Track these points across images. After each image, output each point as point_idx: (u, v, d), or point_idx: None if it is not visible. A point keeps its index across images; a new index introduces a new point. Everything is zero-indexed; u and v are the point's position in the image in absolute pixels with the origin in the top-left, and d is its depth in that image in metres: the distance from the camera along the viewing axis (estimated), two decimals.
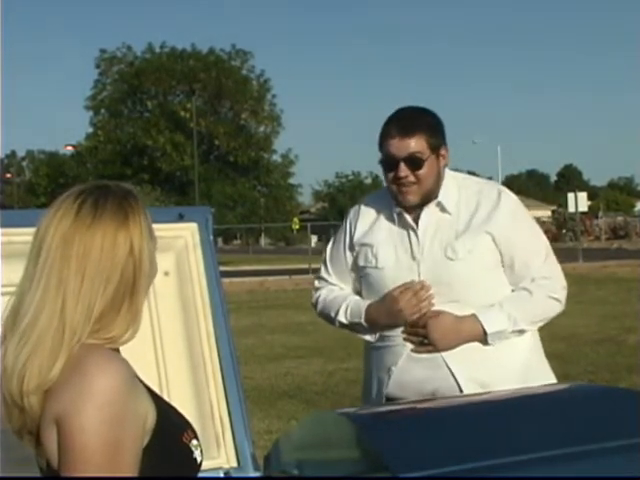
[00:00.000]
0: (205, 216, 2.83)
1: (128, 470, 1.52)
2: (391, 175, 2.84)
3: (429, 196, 2.86)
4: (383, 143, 2.85)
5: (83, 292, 1.57)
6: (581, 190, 36.91)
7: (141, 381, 1.64)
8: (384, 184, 2.97)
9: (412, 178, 2.82)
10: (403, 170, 2.81)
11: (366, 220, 2.98)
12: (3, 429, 1.63)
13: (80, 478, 1.50)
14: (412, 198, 2.84)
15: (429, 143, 2.83)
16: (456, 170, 3.05)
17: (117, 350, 1.65)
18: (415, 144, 2.81)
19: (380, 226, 2.94)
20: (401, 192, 2.84)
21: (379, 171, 2.97)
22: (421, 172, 2.81)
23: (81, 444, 1.50)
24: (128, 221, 1.63)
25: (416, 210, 2.87)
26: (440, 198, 2.87)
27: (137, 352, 2.23)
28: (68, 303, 1.57)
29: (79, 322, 1.57)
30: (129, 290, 1.62)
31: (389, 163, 2.84)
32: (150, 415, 1.59)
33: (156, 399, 1.64)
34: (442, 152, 2.87)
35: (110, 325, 1.61)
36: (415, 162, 2.81)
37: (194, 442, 1.68)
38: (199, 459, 1.69)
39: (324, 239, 54.66)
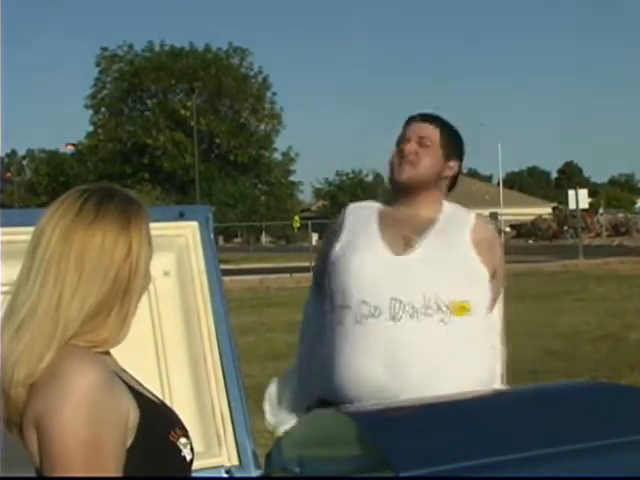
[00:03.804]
0: (205, 214, 2.84)
1: (111, 469, 1.52)
2: (398, 149, 2.92)
3: (419, 184, 2.86)
4: (404, 127, 2.97)
5: (80, 289, 1.58)
6: (582, 187, 36.95)
7: (125, 381, 1.63)
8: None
9: (412, 157, 2.88)
10: (409, 146, 2.89)
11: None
12: (3, 429, 1.63)
13: (70, 478, 1.49)
14: (404, 174, 2.87)
15: (442, 138, 2.91)
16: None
17: (108, 352, 1.65)
18: (429, 131, 2.91)
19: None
20: (399, 165, 2.90)
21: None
22: (423, 153, 2.88)
23: (60, 445, 1.50)
24: (130, 225, 1.63)
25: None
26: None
27: (138, 351, 2.23)
28: (64, 298, 1.57)
29: (72, 317, 1.57)
30: (121, 293, 1.61)
31: (402, 140, 2.93)
32: (132, 414, 1.58)
33: (140, 398, 1.63)
34: (450, 162, 2.92)
35: (100, 327, 1.60)
36: (424, 144, 2.89)
37: (182, 440, 1.67)
38: (188, 457, 1.67)
39: (325, 237, 54.58)
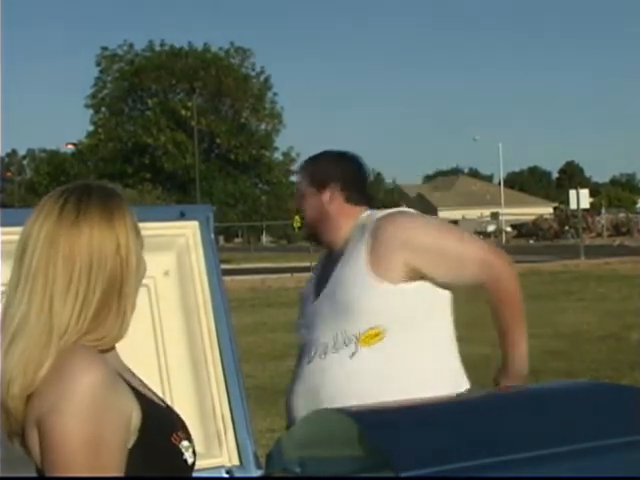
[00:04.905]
0: (206, 214, 2.83)
1: (112, 469, 1.51)
2: None
3: (315, 230, 2.93)
4: None
5: (73, 290, 1.56)
6: (583, 187, 36.95)
7: (128, 382, 1.63)
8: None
9: (301, 214, 2.99)
10: (294, 204, 3.08)
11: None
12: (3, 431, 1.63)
13: (73, 478, 1.49)
14: (303, 231, 3.05)
15: (309, 179, 2.94)
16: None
17: (113, 348, 1.65)
18: (299, 183, 3.00)
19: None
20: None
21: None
22: (303, 205, 2.96)
23: (62, 444, 1.49)
24: (113, 219, 1.62)
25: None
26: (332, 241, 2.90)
27: (139, 351, 2.23)
28: (55, 303, 1.56)
29: (69, 322, 1.56)
30: (117, 290, 1.60)
31: None
32: (135, 415, 1.57)
33: (143, 399, 1.62)
34: (325, 192, 2.90)
35: (101, 326, 1.59)
36: (298, 194, 2.99)
37: (185, 443, 1.66)
38: (190, 460, 1.67)
39: None
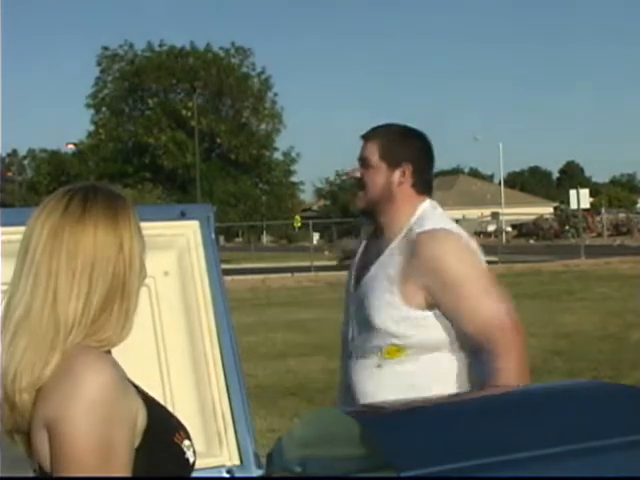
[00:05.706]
0: (207, 214, 2.83)
1: (121, 471, 1.52)
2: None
3: (374, 207, 2.76)
4: None
5: (76, 287, 1.56)
6: (583, 187, 36.99)
7: (132, 383, 1.63)
8: None
9: (359, 183, 2.79)
10: (354, 172, 2.81)
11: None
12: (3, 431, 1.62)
13: (79, 478, 1.49)
14: (359, 203, 2.80)
15: (381, 151, 2.75)
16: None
17: (109, 352, 1.65)
18: (368, 150, 2.78)
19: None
20: (352, 194, 2.87)
21: None
22: (367, 175, 2.76)
23: (72, 446, 1.49)
24: (117, 219, 1.62)
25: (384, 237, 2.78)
26: (415, 228, 2.70)
27: (139, 351, 2.23)
28: (60, 298, 1.56)
29: (75, 319, 1.56)
30: (120, 290, 1.61)
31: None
32: (141, 416, 1.58)
33: (147, 400, 1.63)
34: (397, 170, 2.74)
35: (104, 326, 1.60)
36: (364, 163, 2.77)
37: (186, 442, 1.67)
38: (192, 459, 1.68)
39: (326, 237, 54.67)
